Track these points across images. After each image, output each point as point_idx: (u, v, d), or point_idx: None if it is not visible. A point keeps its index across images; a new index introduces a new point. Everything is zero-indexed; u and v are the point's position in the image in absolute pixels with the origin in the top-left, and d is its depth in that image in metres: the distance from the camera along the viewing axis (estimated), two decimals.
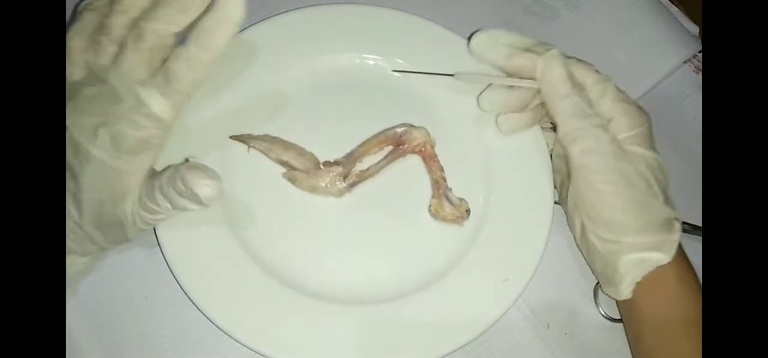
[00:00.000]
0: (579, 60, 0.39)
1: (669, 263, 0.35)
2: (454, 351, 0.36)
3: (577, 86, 0.37)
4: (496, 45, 0.39)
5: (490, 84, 0.40)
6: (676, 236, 0.35)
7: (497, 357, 0.38)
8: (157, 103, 0.30)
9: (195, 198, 0.31)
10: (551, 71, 0.37)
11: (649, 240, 0.35)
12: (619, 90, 0.38)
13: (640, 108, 0.38)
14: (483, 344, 0.38)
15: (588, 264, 0.39)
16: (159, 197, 0.32)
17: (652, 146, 0.37)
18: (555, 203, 0.41)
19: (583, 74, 0.38)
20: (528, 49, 0.38)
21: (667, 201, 0.36)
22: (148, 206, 0.32)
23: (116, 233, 0.33)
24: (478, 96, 0.40)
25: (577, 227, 0.38)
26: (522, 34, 0.40)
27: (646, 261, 0.35)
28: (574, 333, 0.39)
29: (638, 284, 0.35)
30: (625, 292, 0.35)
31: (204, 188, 0.31)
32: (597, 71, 0.38)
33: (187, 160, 0.36)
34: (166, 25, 0.31)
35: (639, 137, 0.37)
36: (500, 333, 0.38)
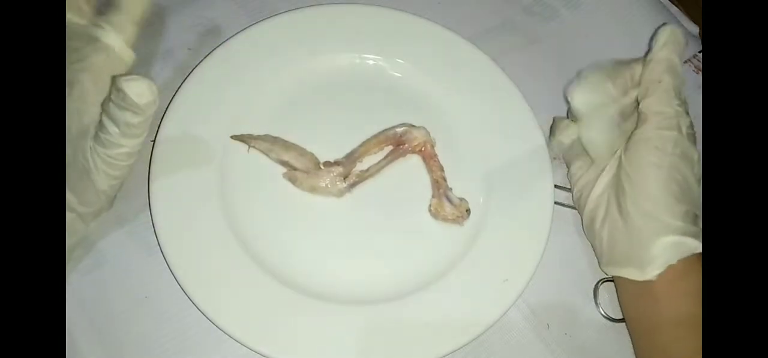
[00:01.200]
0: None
1: (697, 256, 0.35)
2: (454, 351, 0.36)
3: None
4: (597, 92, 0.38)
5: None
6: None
7: (497, 357, 0.38)
8: (106, 34, 0.35)
9: (131, 104, 0.33)
10: (672, 49, 0.37)
11: (688, 227, 0.35)
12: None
13: None
14: (483, 344, 0.38)
15: (602, 249, 0.38)
16: (106, 121, 0.34)
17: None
18: (555, 203, 0.41)
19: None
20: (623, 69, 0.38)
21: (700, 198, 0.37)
22: (100, 137, 0.34)
23: (86, 189, 0.34)
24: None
25: (602, 207, 0.38)
26: (523, 34, 0.39)
27: (683, 245, 0.35)
28: (574, 333, 0.39)
29: (661, 273, 0.35)
30: (653, 273, 0.35)
31: (134, 86, 0.33)
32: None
33: None
34: None
35: (693, 136, 0.37)
36: (500, 333, 0.38)
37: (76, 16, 0.36)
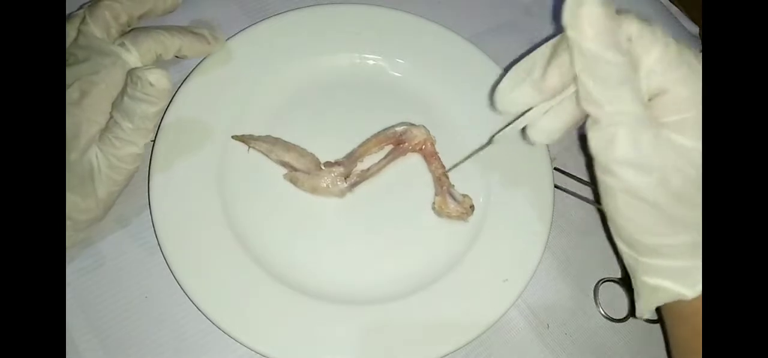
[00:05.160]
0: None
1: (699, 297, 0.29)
2: (454, 351, 0.36)
3: (617, 44, 0.28)
4: (518, 84, 0.32)
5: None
6: None
7: (497, 357, 0.38)
8: (128, 53, 0.37)
9: (149, 91, 0.34)
10: (577, 26, 0.27)
11: (669, 265, 0.30)
12: (674, 43, 0.29)
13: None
14: (483, 344, 0.38)
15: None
16: (119, 117, 0.35)
17: None
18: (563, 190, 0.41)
19: (628, 25, 0.29)
20: (553, 56, 0.30)
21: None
22: (109, 138, 0.35)
23: (87, 195, 0.35)
24: (526, 135, 0.33)
25: None
26: (523, 34, 0.38)
27: (662, 291, 0.30)
28: (574, 333, 0.39)
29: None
30: (643, 314, 0.32)
31: (151, 74, 0.34)
32: (639, 20, 0.29)
33: None
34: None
35: (689, 124, 0.28)
36: (500, 333, 0.38)
37: (102, 33, 0.37)
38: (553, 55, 0.30)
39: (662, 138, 0.28)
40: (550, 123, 0.32)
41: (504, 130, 0.34)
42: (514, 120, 0.33)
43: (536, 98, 0.32)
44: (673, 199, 0.28)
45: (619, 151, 0.28)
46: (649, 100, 0.29)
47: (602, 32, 0.27)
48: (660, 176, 0.28)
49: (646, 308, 0.32)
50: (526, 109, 0.32)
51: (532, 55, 0.32)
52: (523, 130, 0.33)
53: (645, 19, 0.29)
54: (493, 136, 0.35)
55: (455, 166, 0.40)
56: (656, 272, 0.30)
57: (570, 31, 0.28)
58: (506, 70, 0.32)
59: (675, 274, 0.30)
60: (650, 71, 0.28)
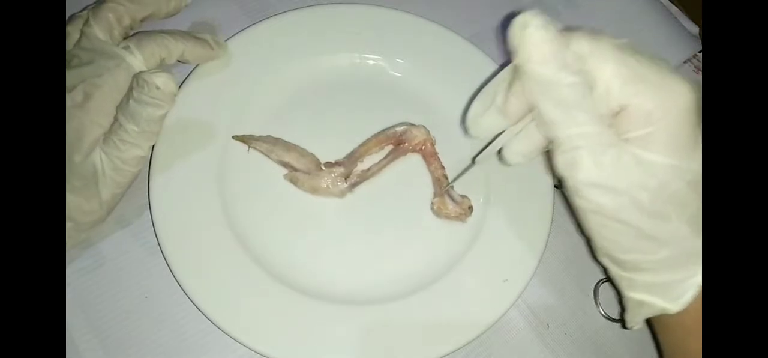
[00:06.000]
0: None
1: (686, 310, 0.29)
2: (454, 351, 0.36)
3: (567, 65, 0.27)
4: (486, 108, 0.31)
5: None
6: (700, 277, 0.28)
7: (497, 357, 0.38)
8: (132, 56, 0.37)
9: (156, 94, 0.35)
10: (523, 52, 0.27)
11: (651, 280, 0.29)
12: (629, 56, 0.27)
13: (670, 84, 0.27)
14: (483, 344, 0.38)
15: None
16: (124, 121, 0.35)
17: (682, 147, 0.27)
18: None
19: (578, 44, 0.28)
20: (512, 81, 0.30)
21: (696, 226, 0.28)
22: (114, 141, 0.35)
23: (90, 197, 0.35)
24: (502, 157, 0.33)
25: None
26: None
27: (647, 306, 0.30)
28: (574, 333, 0.39)
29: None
30: (632, 326, 0.32)
31: (157, 77, 0.35)
32: (589, 35, 0.28)
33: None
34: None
35: (654, 138, 0.27)
36: (500, 333, 0.38)
37: (105, 35, 0.37)
38: (513, 80, 0.29)
39: (626, 156, 0.27)
40: (522, 146, 0.32)
41: (484, 151, 0.34)
42: (491, 142, 0.33)
43: (503, 124, 0.31)
44: (645, 216, 0.28)
45: (582, 174, 0.27)
46: (615, 115, 0.28)
47: (549, 55, 0.27)
48: (629, 196, 0.27)
49: (633, 321, 0.32)
50: (498, 132, 0.32)
51: (494, 80, 0.31)
52: (500, 151, 0.33)
53: (595, 32, 0.28)
54: (475, 157, 0.35)
55: (452, 182, 0.40)
56: (639, 287, 0.30)
57: (517, 58, 0.27)
58: (474, 95, 0.32)
59: (657, 289, 0.29)
60: (607, 88, 0.27)
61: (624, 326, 0.32)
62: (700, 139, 0.28)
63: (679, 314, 0.29)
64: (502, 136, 0.32)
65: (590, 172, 0.27)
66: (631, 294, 0.31)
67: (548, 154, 0.31)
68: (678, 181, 0.27)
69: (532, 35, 0.27)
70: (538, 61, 0.27)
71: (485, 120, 0.32)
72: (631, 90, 0.27)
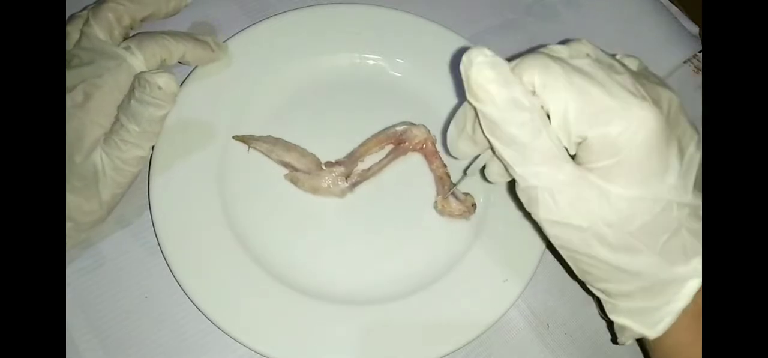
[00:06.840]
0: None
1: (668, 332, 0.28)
2: (454, 351, 0.36)
3: (517, 102, 0.26)
4: (461, 132, 0.31)
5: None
6: (676, 304, 0.27)
7: (497, 357, 0.38)
8: (133, 56, 0.37)
9: (157, 94, 0.35)
10: (469, 92, 0.27)
11: (629, 306, 0.29)
12: (584, 83, 0.26)
13: (633, 112, 0.26)
14: (483, 344, 0.38)
15: None
16: (125, 121, 0.35)
17: (649, 176, 0.26)
18: None
19: (529, 76, 0.26)
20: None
21: (668, 255, 0.27)
22: (115, 141, 0.35)
23: (90, 197, 0.35)
24: (483, 174, 0.34)
25: None
26: (523, 34, 0.37)
27: (628, 330, 0.30)
28: (574, 333, 0.39)
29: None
30: (623, 344, 0.31)
31: (159, 77, 0.34)
32: (541, 65, 0.26)
33: None
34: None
35: (617, 171, 0.26)
36: (500, 333, 0.38)
37: (105, 35, 0.37)
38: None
39: (588, 191, 0.26)
40: (499, 167, 0.31)
41: (472, 165, 0.34)
42: (475, 158, 0.34)
43: (475, 150, 0.31)
44: (612, 251, 0.27)
45: (541, 212, 0.27)
46: (578, 145, 0.27)
47: (496, 95, 0.26)
48: (593, 232, 0.26)
49: (621, 340, 0.31)
50: (474, 155, 0.32)
51: (462, 107, 0.30)
52: (484, 168, 0.33)
53: (546, 60, 0.26)
54: (466, 169, 0.35)
55: (453, 186, 0.40)
56: (620, 311, 0.30)
57: (468, 96, 0.27)
58: (451, 116, 0.32)
59: (635, 314, 0.29)
60: (562, 121, 0.26)
61: (614, 342, 0.32)
62: (673, 159, 0.27)
63: (659, 338, 0.29)
64: (482, 155, 0.33)
65: (548, 212, 0.27)
66: (614, 317, 0.30)
67: None
68: (645, 214, 0.26)
69: (477, 76, 0.26)
70: (485, 102, 0.26)
71: (460, 145, 0.32)
72: (586, 122, 0.26)
